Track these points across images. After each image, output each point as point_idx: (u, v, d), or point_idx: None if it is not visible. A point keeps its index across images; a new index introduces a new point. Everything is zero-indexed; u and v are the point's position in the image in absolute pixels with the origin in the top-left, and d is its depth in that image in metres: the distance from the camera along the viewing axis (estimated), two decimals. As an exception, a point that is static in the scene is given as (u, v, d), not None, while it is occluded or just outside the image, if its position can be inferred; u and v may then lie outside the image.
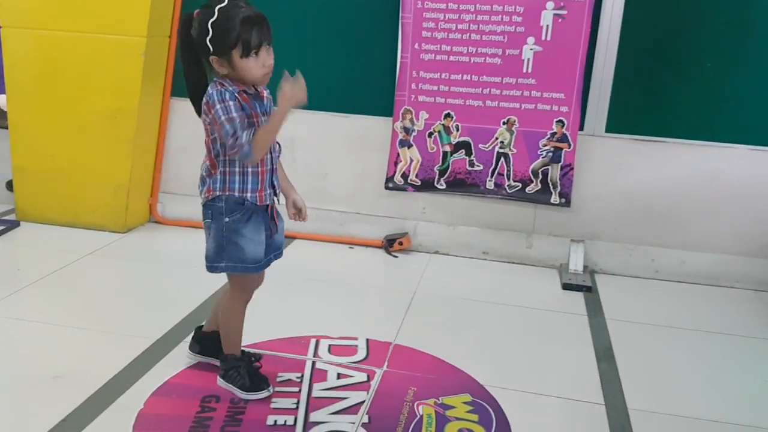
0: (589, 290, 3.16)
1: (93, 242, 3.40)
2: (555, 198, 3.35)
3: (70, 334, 2.50)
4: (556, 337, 2.75)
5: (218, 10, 1.84)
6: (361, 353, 2.47)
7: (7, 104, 3.62)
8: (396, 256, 3.49)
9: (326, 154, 3.59)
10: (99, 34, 3.38)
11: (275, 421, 2.04)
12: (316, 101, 3.49)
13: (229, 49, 1.86)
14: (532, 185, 3.36)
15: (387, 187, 3.52)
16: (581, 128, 3.30)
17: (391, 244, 3.51)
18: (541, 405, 2.24)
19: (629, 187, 3.34)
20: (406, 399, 2.19)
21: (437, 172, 3.44)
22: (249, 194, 1.98)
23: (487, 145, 3.37)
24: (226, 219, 1.98)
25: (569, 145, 3.28)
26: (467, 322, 2.82)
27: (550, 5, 3.17)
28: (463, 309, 2.94)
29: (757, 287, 3.28)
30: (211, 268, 2.05)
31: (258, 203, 2.01)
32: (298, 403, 2.14)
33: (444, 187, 3.45)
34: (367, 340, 2.56)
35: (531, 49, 3.23)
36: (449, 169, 3.42)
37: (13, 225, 3.55)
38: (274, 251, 2.12)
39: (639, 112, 3.30)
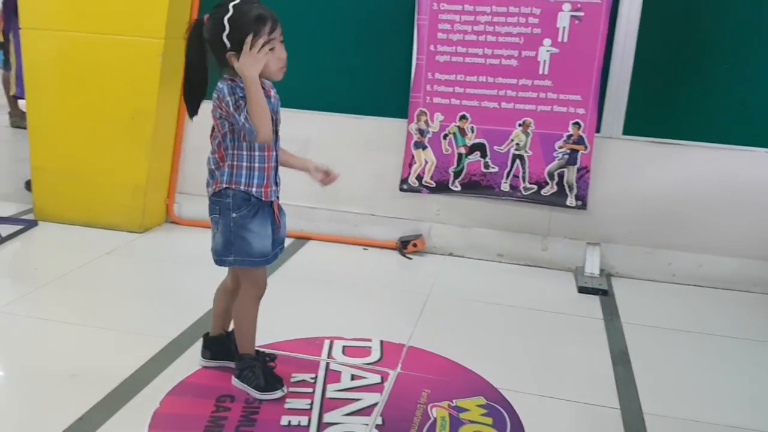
0: (605, 294, 3.14)
1: (110, 242, 3.43)
2: (571, 200, 3.33)
3: (87, 333, 2.52)
4: (572, 341, 2.73)
5: (233, 6, 1.90)
6: (375, 355, 2.47)
7: (27, 105, 3.67)
8: (410, 258, 3.49)
9: (341, 155, 3.58)
10: (117, 35, 3.42)
11: (289, 421, 2.05)
12: (331, 103, 3.56)
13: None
14: (548, 187, 3.34)
15: (401, 189, 3.52)
16: (598, 130, 3.28)
17: (406, 245, 3.51)
18: (555, 409, 2.23)
19: (646, 190, 3.32)
20: (420, 401, 2.19)
21: (452, 173, 3.43)
22: (254, 189, 2.02)
23: (502, 147, 3.36)
24: (234, 214, 2.03)
25: (585, 147, 3.26)
26: (481, 325, 2.81)
27: (566, 7, 3.16)
28: (478, 311, 2.93)
29: (775, 292, 3.25)
30: (220, 261, 2.10)
31: (263, 198, 2.05)
32: (312, 403, 2.14)
33: (458, 188, 3.44)
34: (381, 341, 2.56)
35: (547, 51, 3.21)
36: (464, 171, 3.42)
37: (31, 224, 3.59)
38: (278, 245, 2.16)
39: (656, 114, 3.27)
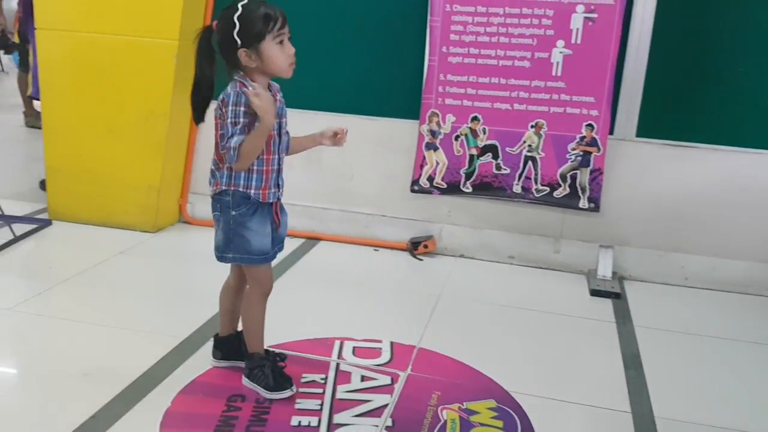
0: (617, 297, 3.12)
1: (124, 241, 3.46)
2: (584, 202, 3.32)
3: (100, 332, 2.54)
4: (583, 344, 2.72)
5: (241, 5, 1.94)
6: (385, 356, 2.47)
7: (42, 105, 3.70)
8: (421, 259, 3.49)
9: (352, 156, 3.60)
10: (132, 37, 3.44)
11: (299, 421, 2.05)
12: (343, 104, 3.57)
13: (257, 37, 1.93)
14: (560, 189, 3.33)
15: (412, 190, 3.52)
16: (611, 132, 3.26)
17: (416, 246, 3.51)
18: (566, 412, 2.22)
19: (659, 193, 3.30)
20: (430, 403, 2.19)
21: (463, 175, 3.43)
22: (253, 191, 2.05)
23: (514, 149, 3.35)
24: (233, 212, 2.06)
25: (599, 149, 3.25)
26: (492, 327, 2.80)
27: (580, 8, 3.15)
28: (489, 313, 2.93)
29: (790, 296, 3.22)
30: (221, 258, 2.13)
31: (261, 200, 2.06)
32: (322, 404, 2.15)
33: (470, 190, 3.44)
34: (392, 343, 2.56)
35: (560, 53, 3.20)
36: (475, 173, 3.41)
37: (46, 224, 3.62)
38: (277, 244, 2.18)
39: (670, 116, 3.25)
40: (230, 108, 1.95)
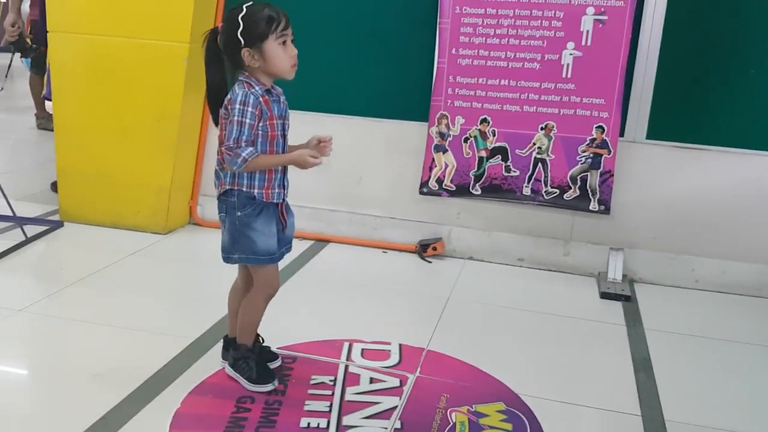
0: (627, 300, 3.11)
1: (135, 243, 3.47)
2: (594, 205, 3.31)
3: (111, 333, 2.55)
4: (593, 347, 2.71)
5: (246, 6, 1.99)
6: (394, 358, 2.47)
7: (53, 107, 3.72)
8: (430, 262, 3.49)
9: (361, 158, 3.60)
10: (143, 39, 3.46)
11: (308, 423, 2.06)
12: (353, 106, 3.57)
13: (260, 38, 1.96)
14: (570, 191, 3.32)
15: (421, 192, 3.52)
16: (621, 134, 3.25)
17: (425, 249, 3.51)
18: (576, 415, 2.21)
19: (670, 195, 3.28)
20: (439, 405, 2.19)
21: (472, 177, 3.42)
22: (256, 190, 2.07)
23: (524, 151, 3.34)
24: (239, 213, 2.07)
25: (609, 152, 3.24)
26: (501, 330, 2.80)
27: (590, 10, 3.14)
28: (498, 316, 2.92)
29: (802, 299, 3.19)
30: (227, 259, 2.15)
31: (265, 200, 2.08)
32: (331, 406, 2.15)
33: (479, 192, 3.43)
34: (400, 345, 2.56)
35: (571, 54, 3.20)
36: (485, 175, 3.41)
37: (57, 225, 3.64)
38: (284, 245, 2.19)
39: (681, 119, 3.24)
40: (237, 107, 1.97)
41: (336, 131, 3.50)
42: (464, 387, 2.31)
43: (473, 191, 3.44)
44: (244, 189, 2.06)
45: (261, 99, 2.01)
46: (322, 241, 3.64)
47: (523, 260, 3.48)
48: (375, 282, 3.20)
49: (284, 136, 2.11)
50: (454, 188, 3.46)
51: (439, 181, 3.47)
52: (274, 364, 2.33)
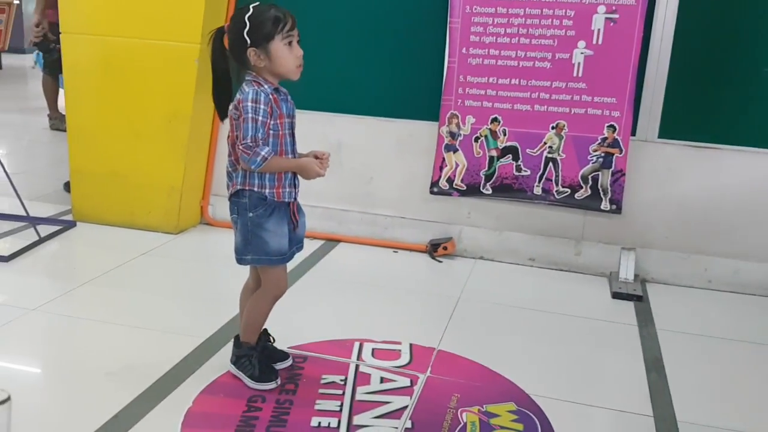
0: (639, 299, 3.09)
1: (147, 243, 3.49)
2: (605, 204, 3.29)
3: (123, 332, 2.57)
4: (605, 347, 2.70)
5: (252, 6, 2.00)
6: (405, 358, 2.47)
7: (66, 108, 3.76)
8: (440, 261, 3.49)
9: (372, 158, 3.61)
10: (155, 40, 3.48)
11: (319, 422, 2.06)
12: (363, 106, 3.57)
13: (266, 38, 1.98)
14: (582, 191, 3.31)
15: (432, 192, 3.51)
16: (633, 133, 3.23)
17: (436, 248, 3.51)
18: (587, 415, 2.21)
19: (682, 195, 3.26)
20: (450, 405, 2.19)
21: (483, 176, 3.41)
22: (267, 190, 2.07)
23: (535, 150, 3.33)
24: (250, 214, 2.08)
25: (621, 151, 3.22)
26: (512, 330, 2.79)
27: (601, 9, 3.13)
28: (509, 316, 2.91)
29: (816, 299, 3.16)
30: (240, 260, 2.16)
31: (276, 199, 2.08)
32: (341, 405, 2.15)
33: (490, 192, 3.43)
34: (411, 344, 2.56)
35: (582, 53, 3.18)
36: (495, 174, 3.40)
37: (70, 225, 3.67)
38: (295, 244, 2.20)
39: (693, 117, 3.22)
40: (249, 104, 1.98)
41: (347, 131, 3.56)
42: (475, 387, 2.30)
43: (484, 191, 3.43)
44: (256, 189, 2.07)
45: (271, 97, 2.02)
46: (332, 241, 3.64)
47: (534, 260, 3.47)
48: (386, 281, 3.20)
49: (292, 135, 2.12)
50: (465, 188, 3.45)
51: (450, 180, 3.47)
52: (285, 364, 2.33)
